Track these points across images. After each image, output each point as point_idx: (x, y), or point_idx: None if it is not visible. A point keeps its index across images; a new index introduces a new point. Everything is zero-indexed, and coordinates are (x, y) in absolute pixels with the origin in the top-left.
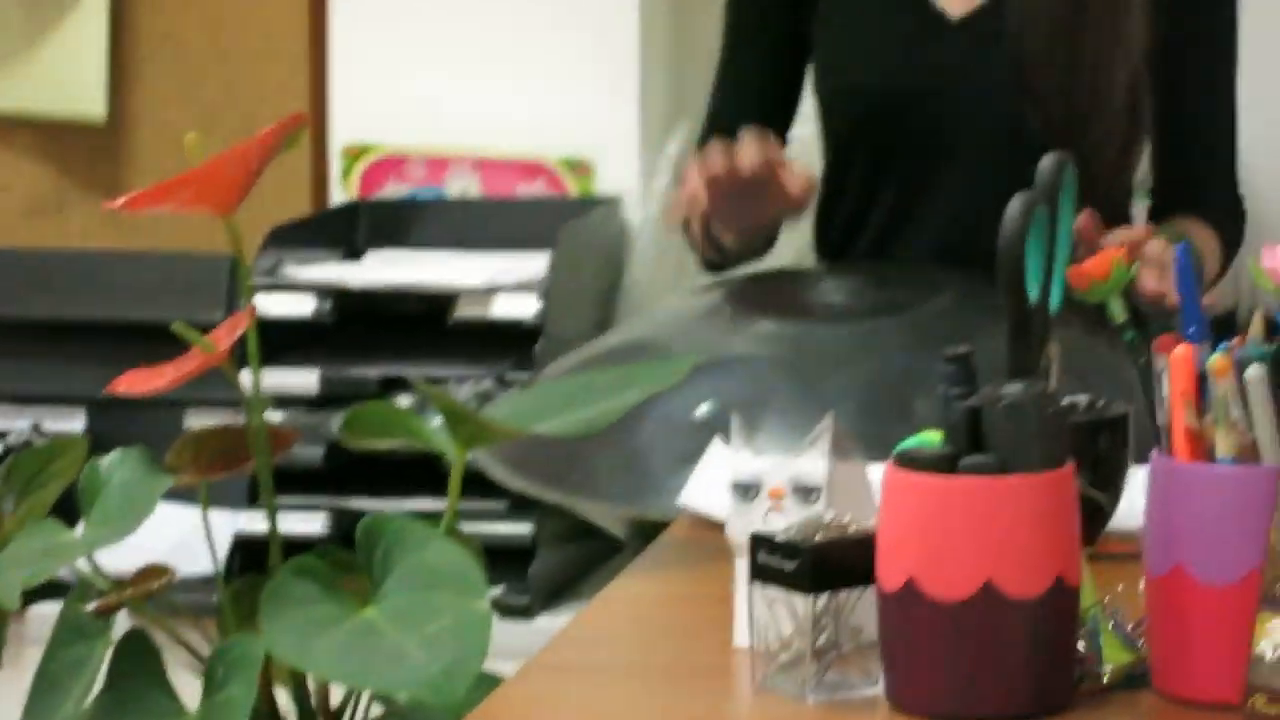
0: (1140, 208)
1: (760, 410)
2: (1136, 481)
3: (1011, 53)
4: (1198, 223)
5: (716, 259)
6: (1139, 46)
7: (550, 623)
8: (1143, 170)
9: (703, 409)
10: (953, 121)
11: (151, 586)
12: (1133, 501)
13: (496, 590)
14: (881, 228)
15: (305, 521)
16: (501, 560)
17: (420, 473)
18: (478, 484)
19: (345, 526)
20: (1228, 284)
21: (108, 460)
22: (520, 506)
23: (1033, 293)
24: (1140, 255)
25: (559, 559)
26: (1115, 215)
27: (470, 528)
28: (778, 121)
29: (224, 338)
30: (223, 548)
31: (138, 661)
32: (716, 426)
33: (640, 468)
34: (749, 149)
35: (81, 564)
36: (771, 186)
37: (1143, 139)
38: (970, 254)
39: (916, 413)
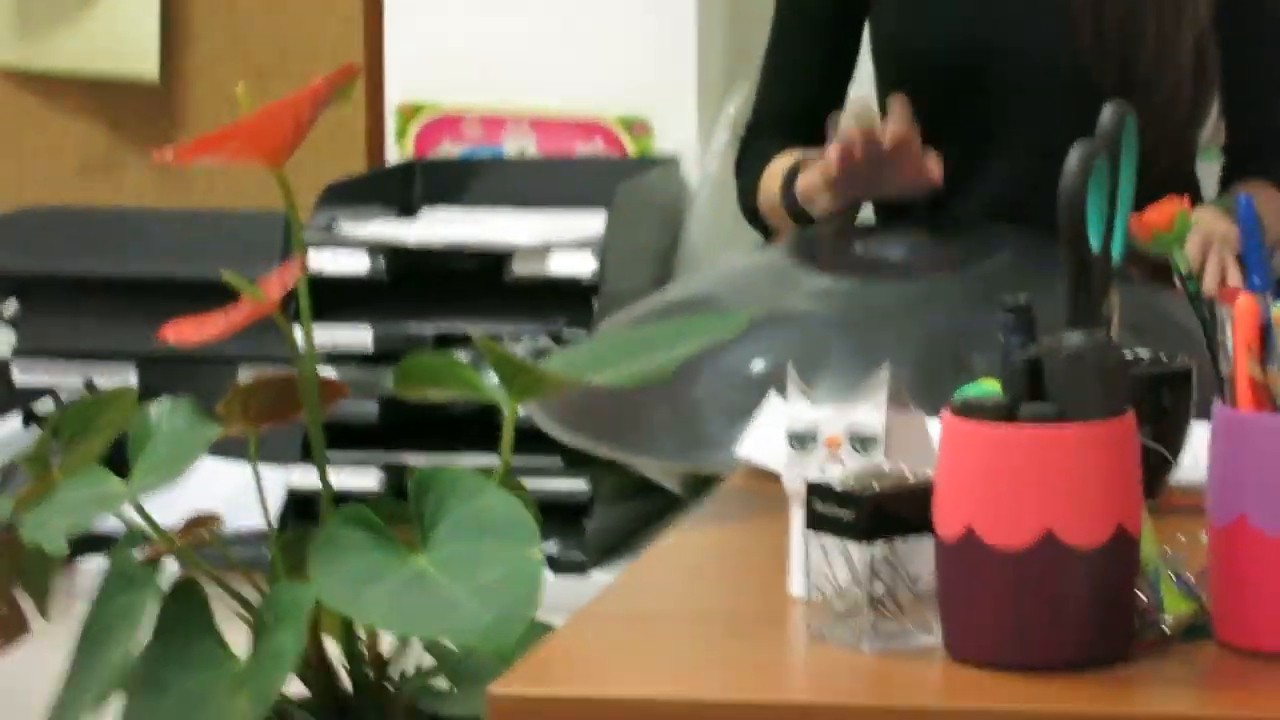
0: (1209, 168)
1: (816, 366)
2: (1200, 435)
3: (1066, 16)
4: (1265, 184)
5: (788, 225)
6: (1205, 8)
7: (606, 579)
8: (1209, 129)
9: (758, 364)
10: (1014, 80)
11: (201, 535)
12: (1196, 455)
13: (552, 546)
14: (942, 185)
15: (359, 477)
16: (557, 516)
17: (476, 428)
18: (534, 440)
19: (399, 482)
20: None
21: (156, 409)
22: (576, 462)
23: (1094, 243)
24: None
25: (615, 515)
26: (1181, 175)
27: (526, 484)
28: (833, 86)
29: (275, 287)
30: (275, 503)
31: (187, 611)
32: (772, 382)
33: (696, 423)
34: (895, 122)
35: (131, 514)
36: (901, 164)
37: (1210, 99)
38: (1032, 212)
39: (974, 369)
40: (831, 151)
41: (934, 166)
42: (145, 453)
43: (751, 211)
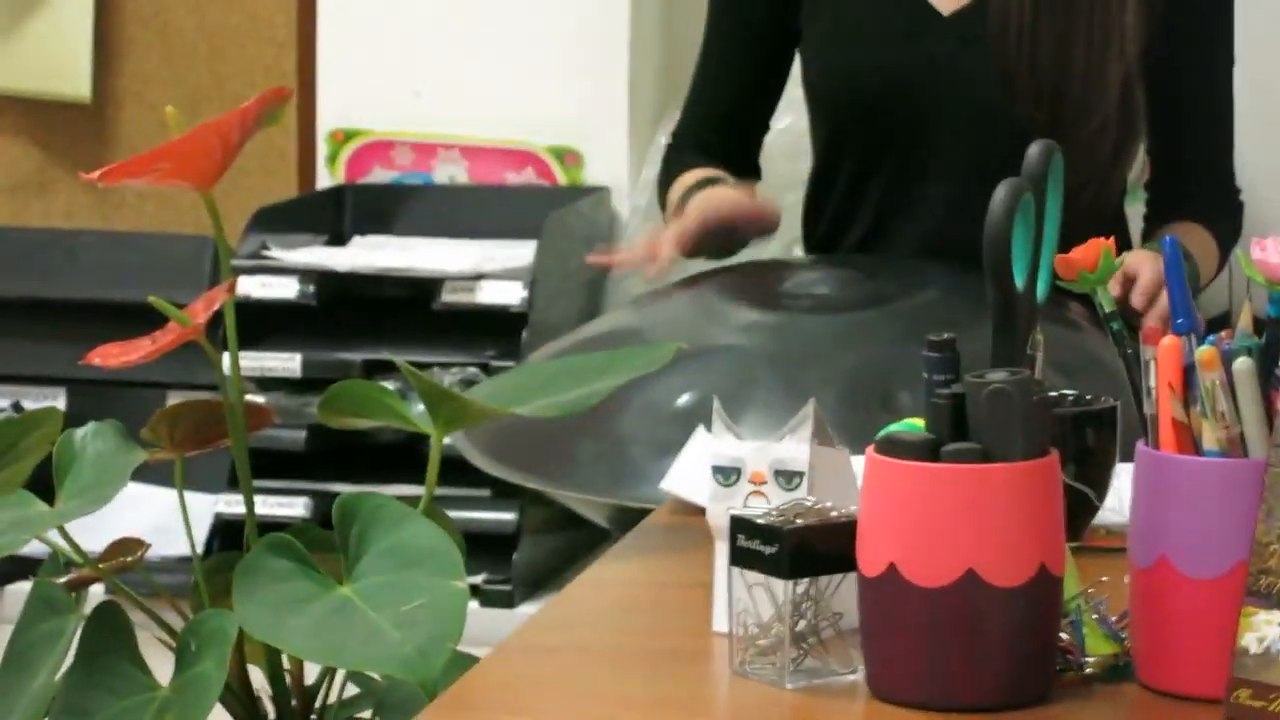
0: (1134, 208)
1: (743, 400)
2: (1125, 476)
3: (998, 49)
4: (1193, 226)
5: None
6: (1133, 45)
7: (533, 611)
8: (1137, 169)
9: (685, 398)
10: (942, 116)
11: (125, 560)
12: (1121, 496)
13: (479, 578)
14: (870, 221)
15: (286, 505)
16: (485, 548)
17: (403, 458)
18: (463, 471)
19: (327, 511)
20: (1222, 284)
21: (82, 433)
22: (504, 494)
23: (1019, 280)
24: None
25: (543, 548)
26: (1108, 213)
27: (454, 514)
28: (758, 110)
29: (201, 311)
30: (202, 531)
31: (110, 636)
32: (698, 416)
33: (622, 457)
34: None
35: (56, 539)
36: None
37: (1137, 138)
38: (960, 249)
39: (899, 405)
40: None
41: (774, 208)
42: (70, 477)
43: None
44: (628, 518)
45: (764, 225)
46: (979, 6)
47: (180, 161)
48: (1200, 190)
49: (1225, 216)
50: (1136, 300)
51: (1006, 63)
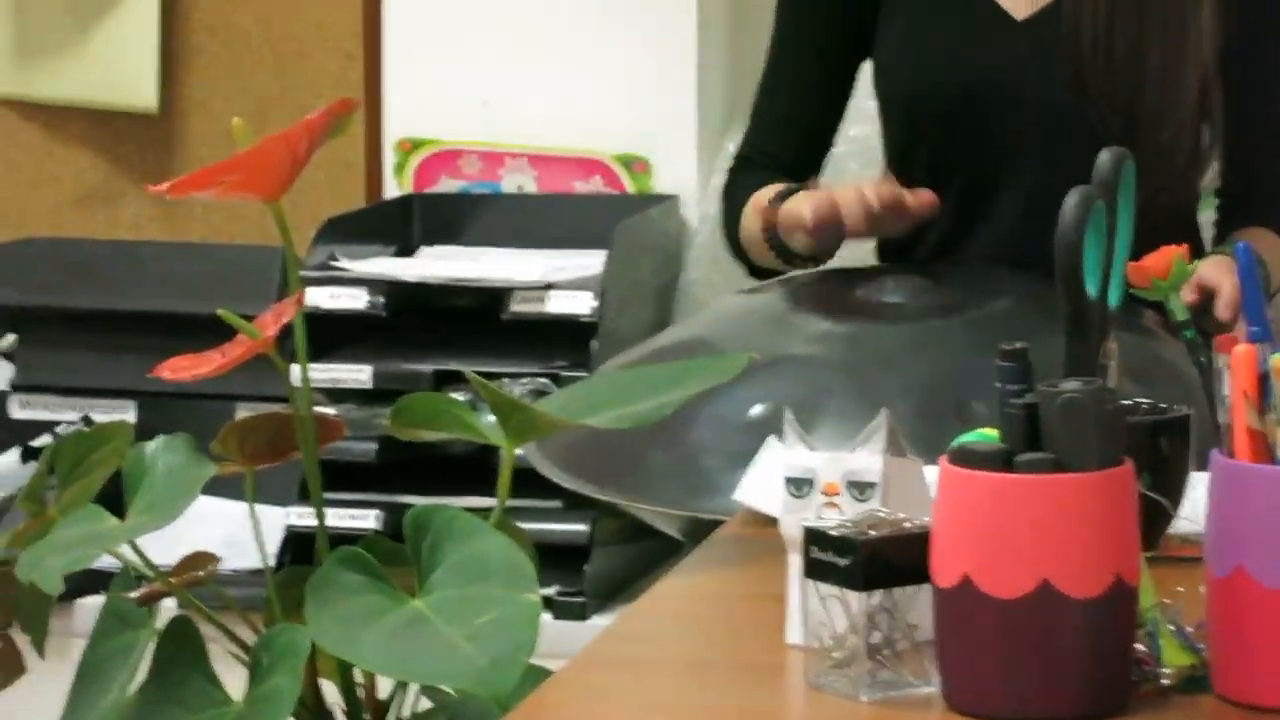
0: (1205, 216)
1: (815, 410)
2: (1201, 485)
3: (1072, 54)
4: (1263, 232)
5: (763, 274)
6: (1210, 47)
7: (605, 623)
8: (1209, 176)
9: (757, 409)
10: (1017, 122)
11: (197, 574)
12: (1196, 505)
13: (551, 590)
14: (945, 229)
15: (357, 518)
16: (557, 560)
17: (475, 470)
18: (534, 483)
19: (398, 523)
20: None
21: (152, 446)
22: (576, 506)
23: (1091, 288)
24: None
25: (615, 559)
26: (1182, 220)
27: (525, 526)
28: (827, 123)
29: (270, 324)
30: (273, 544)
31: (182, 650)
32: (771, 426)
33: (694, 468)
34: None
35: (127, 553)
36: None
37: (1213, 143)
38: (1035, 256)
39: (973, 415)
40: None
41: (923, 200)
42: (141, 491)
43: (734, 241)
44: (700, 529)
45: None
46: (1052, 11)
47: (248, 173)
48: (1272, 193)
49: None
50: (1223, 313)
51: (1081, 68)
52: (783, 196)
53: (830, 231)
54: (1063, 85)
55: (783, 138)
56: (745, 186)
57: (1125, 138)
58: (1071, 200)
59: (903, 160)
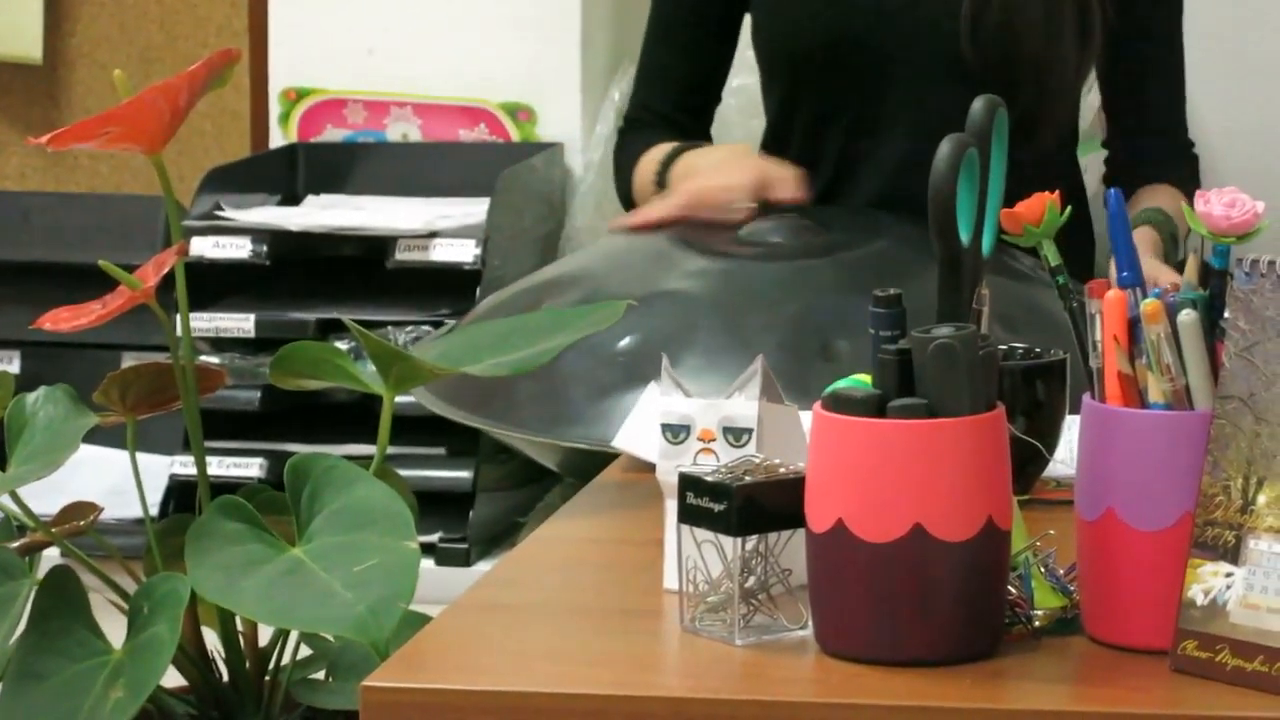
0: (1091, 157)
1: (683, 345)
2: (1076, 429)
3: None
4: (1161, 187)
5: None
6: None
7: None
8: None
9: (625, 341)
10: (893, 68)
11: (78, 523)
12: (1071, 448)
13: (434, 536)
14: (827, 177)
15: (241, 467)
16: (440, 506)
17: (359, 418)
18: (418, 429)
19: (281, 472)
20: None
21: (33, 397)
22: (459, 453)
23: (964, 235)
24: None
25: (498, 506)
26: (1061, 160)
27: (409, 473)
28: (712, 76)
29: (151, 274)
30: (157, 493)
31: (63, 600)
32: (638, 358)
33: (561, 397)
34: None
35: (8, 503)
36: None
37: (1089, 59)
38: (916, 202)
39: (838, 353)
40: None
41: (797, 190)
42: (22, 441)
43: (628, 203)
44: (580, 463)
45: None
46: None
47: (129, 125)
48: (1159, 143)
49: (1186, 170)
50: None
51: (951, 7)
52: (666, 164)
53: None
54: (937, 29)
55: (669, 95)
56: (635, 148)
57: (1000, 76)
58: (944, 148)
59: (784, 110)
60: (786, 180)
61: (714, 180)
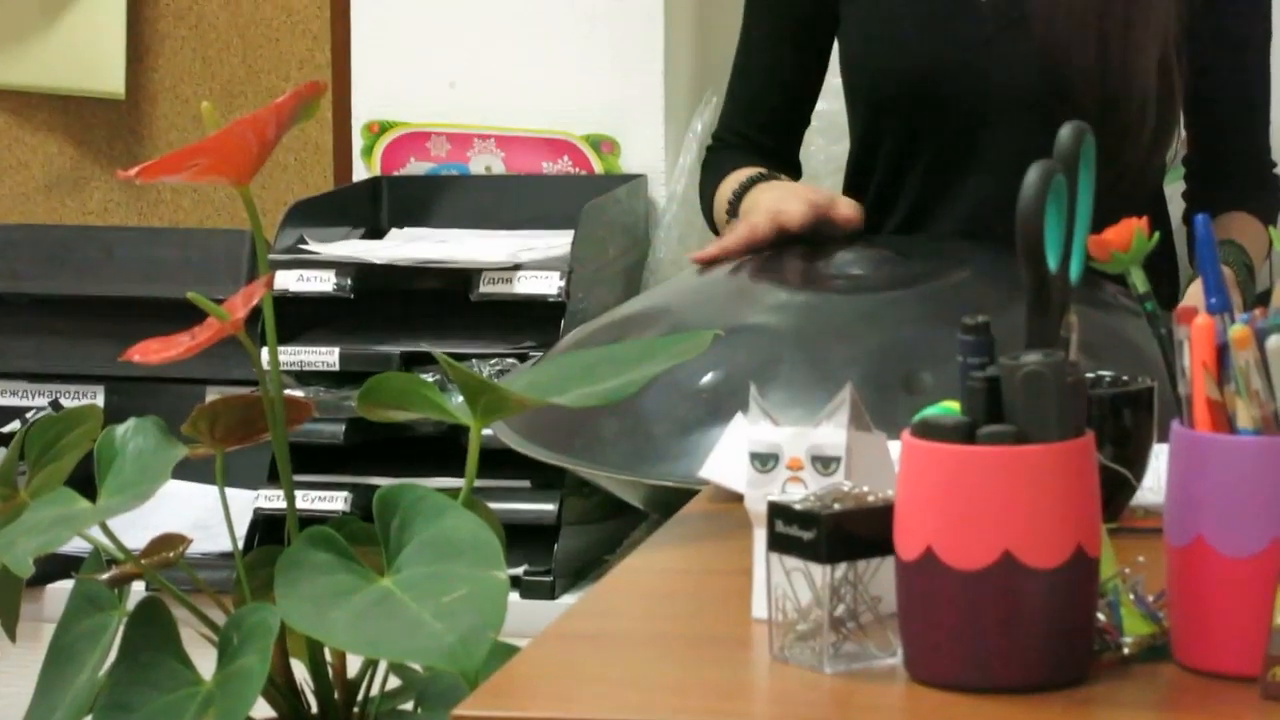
0: (1172, 187)
1: (766, 379)
2: (1163, 457)
3: (1038, 34)
4: (1237, 214)
5: None
6: (1171, 25)
7: (573, 602)
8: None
9: (708, 377)
10: (982, 102)
11: (167, 555)
12: (1159, 476)
13: (519, 569)
14: (909, 208)
15: (326, 500)
16: (525, 539)
17: (443, 451)
18: (502, 463)
19: (367, 504)
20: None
21: (123, 429)
22: (544, 485)
23: (1052, 262)
24: None
25: (583, 539)
26: (1146, 193)
27: (494, 506)
28: (800, 100)
29: (239, 306)
30: (242, 527)
31: (152, 631)
32: (721, 394)
33: (645, 434)
34: (795, 214)
35: (98, 535)
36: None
37: (1176, 119)
38: (999, 234)
39: (921, 385)
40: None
41: (851, 216)
42: (112, 473)
43: (712, 225)
44: (664, 499)
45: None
46: None
47: (216, 157)
48: (1239, 169)
49: (1267, 195)
50: None
51: (1045, 45)
52: (739, 196)
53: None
54: (1026, 64)
55: (756, 118)
56: (718, 170)
57: (1088, 117)
58: (1032, 174)
59: (867, 140)
60: (842, 202)
61: (773, 207)
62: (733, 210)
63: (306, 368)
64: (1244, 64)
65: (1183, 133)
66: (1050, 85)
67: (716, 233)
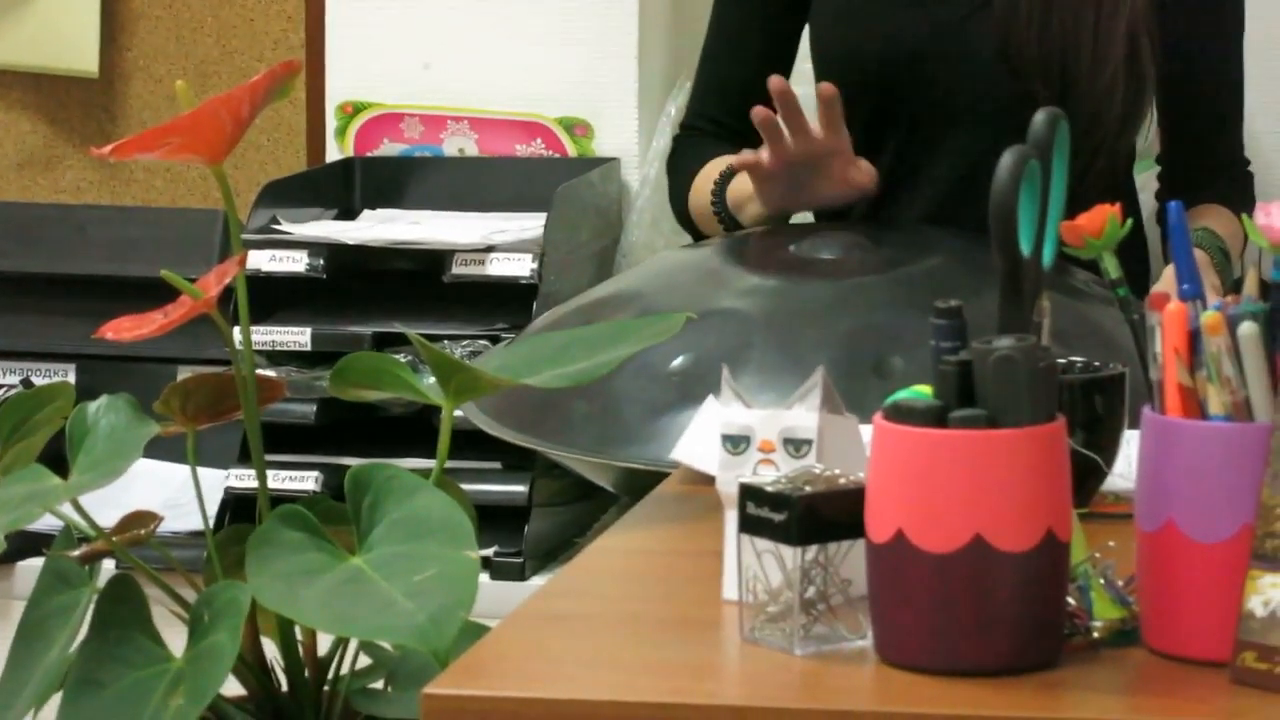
0: (1146, 175)
1: (737, 363)
2: (1134, 442)
3: (1002, 14)
4: (1211, 208)
5: (716, 230)
6: (1140, 8)
7: (544, 583)
8: (1147, 138)
9: (678, 360)
10: (951, 85)
11: (138, 532)
12: (1130, 462)
13: (489, 550)
14: (880, 190)
15: (297, 480)
16: (496, 520)
17: (413, 432)
18: (472, 444)
19: (338, 485)
20: None
21: (95, 406)
22: (515, 467)
23: (1025, 246)
24: None
25: (554, 520)
26: (1116, 180)
27: (465, 487)
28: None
29: (213, 284)
30: (212, 506)
31: (123, 608)
32: (691, 377)
33: (615, 417)
34: (826, 109)
35: (69, 513)
36: (831, 170)
37: (1146, 103)
38: (969, 217)
39: (892, 369)
40: (764, 151)
41: (867, 173)
42: (84, 450)
43: (682, 214)
44: (634, 482)
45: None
46: None
47: (191, 135)
48: (1212, 167)
49: (1239, 190)
50: None
51: (1013, 25)
52: (722, 186)
53: (783, 182)
54: (998, 45)
55: (726, 104)
56: (691, 157)
57: (1057, 98)
58: (1006, 159)
59: None
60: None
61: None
62: (718, 200)
63: (278, 347)
64: (1217, 60)
65: (1155, 128)
66: (1018, 64)
67: (682, 222)
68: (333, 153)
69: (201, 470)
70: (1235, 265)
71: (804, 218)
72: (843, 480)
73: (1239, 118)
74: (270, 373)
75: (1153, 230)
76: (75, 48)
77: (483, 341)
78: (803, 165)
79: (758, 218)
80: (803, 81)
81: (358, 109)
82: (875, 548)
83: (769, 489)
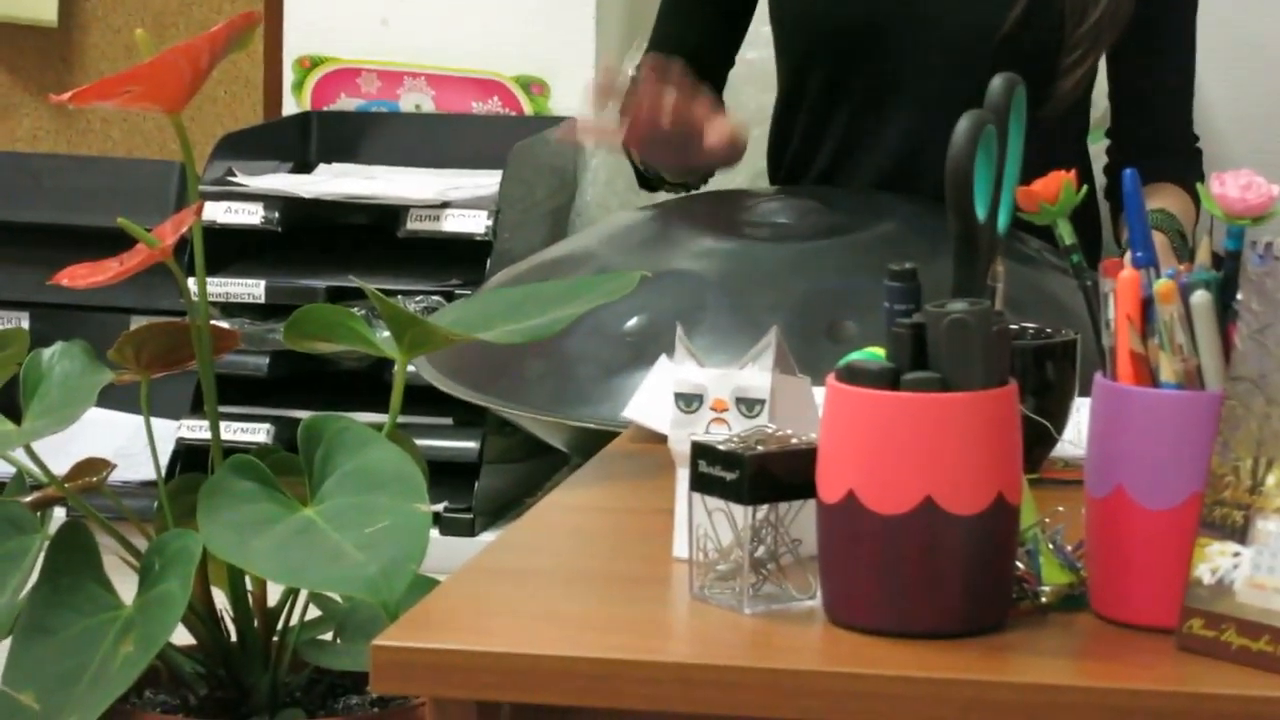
0: (1096, 148)
1: (690, 324)
2: (1085, 410)
3: None
4: (1165, 185)
5: (653, 185)
6: None
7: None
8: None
9: (632, 321)
10: (904, 47)
11: (90, 479)
12: (1080, 429)
13: (440, 506)
14: (834, 153)
15: (249, 432)
16: (446, 476)
17: (366, 386)
18: (425, 400)
19: (290, 437)
20: None
21: (49, 353)
22: (466, 423)
23: (980, 211)
24: None
25: (504, 477)
26: (1070, 145)
27: (417, 442)
28: (725, 49)
29: (169, 233)
30: (163, 456)
31: (74, 555)
32: (645, 338)
33: (569, 376)
34: (670, 100)
35: (21, 458)
36: (695, 138)
37: (1094, 71)
38: (923, 181)
39: (845, 333)
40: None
41: (719, 134)
42: (38, 397)
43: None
44: (585, 442)
45: (729, 151)
46: None
47: (150, 84)
48: (1163, 141)
49: (1188, 166)
50: None
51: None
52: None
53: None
54: (950, 9)
55: (677, 56)
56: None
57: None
58: (963, 123)
59: (794, 82)
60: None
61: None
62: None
63: (232, 299)
64: (1170, 33)
65: (1105, 101)
66: (976, 31)
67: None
68: (290, 106)
69: (153, 421)
70: (1189, 241)
71: (761, 183)
72: (795, 440)
73: (1189, 93)
74: (223, 324)
75: (1101, 204)
76: None
77: (437, 297)
78: (675, 132)
79: (670, 175)
80: (759, 44)
81: (315, 63)
82: (826, 508)
83: (721, 448)
